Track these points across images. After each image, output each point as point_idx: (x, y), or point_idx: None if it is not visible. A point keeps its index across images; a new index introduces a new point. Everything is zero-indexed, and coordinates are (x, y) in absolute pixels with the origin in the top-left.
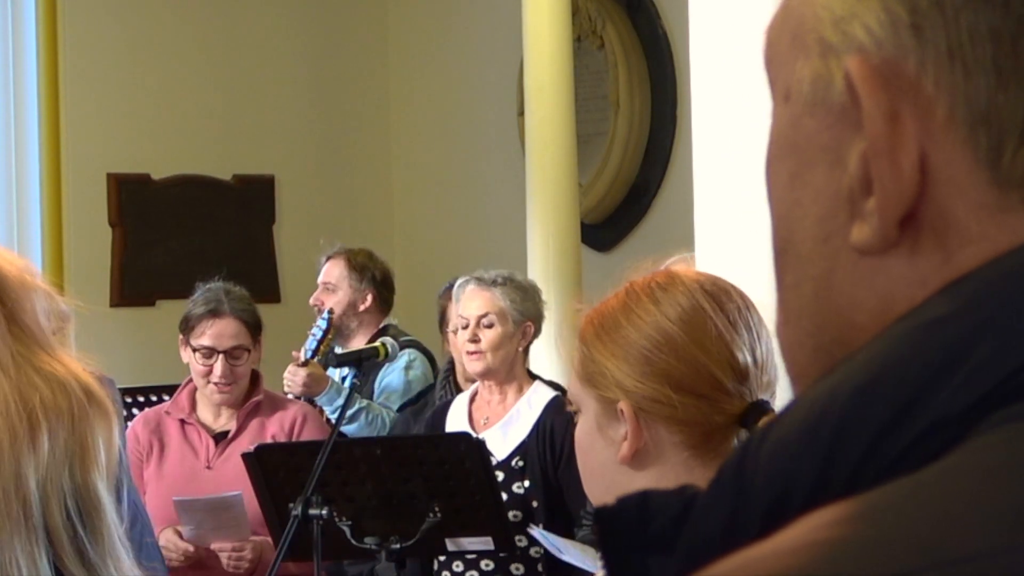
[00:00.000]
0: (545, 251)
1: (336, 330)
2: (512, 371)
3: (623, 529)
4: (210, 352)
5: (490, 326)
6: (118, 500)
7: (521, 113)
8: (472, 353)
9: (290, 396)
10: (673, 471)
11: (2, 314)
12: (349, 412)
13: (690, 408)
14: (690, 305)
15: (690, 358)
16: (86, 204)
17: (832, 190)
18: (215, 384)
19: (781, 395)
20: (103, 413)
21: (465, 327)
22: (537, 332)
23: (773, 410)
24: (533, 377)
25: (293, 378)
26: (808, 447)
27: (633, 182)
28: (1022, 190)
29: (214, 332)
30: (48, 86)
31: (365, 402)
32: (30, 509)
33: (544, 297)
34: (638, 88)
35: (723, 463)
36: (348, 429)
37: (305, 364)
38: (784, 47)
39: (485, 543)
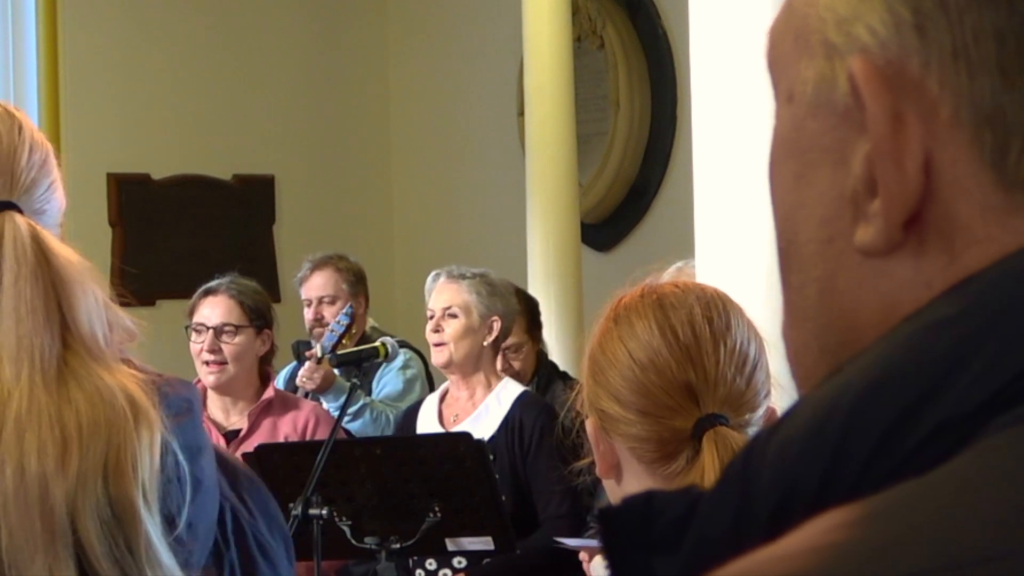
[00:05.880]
0: (545, 251)
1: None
2: (478, 366)
3: (627, 529)
4: (202, 328)
5: (454, 317)
6: (175, 510)
7: (521, 113)
8: (436, 345)
9: (301, 393)
10: (638, 483)
11: (58, 320)
12: (353, 408)
13: (636, 425)
14: (642, 325)
15: (632, 377)
16: (86, 204)
17: (836, 192)
18: (204, 363)
19: (784, 396)
20: (147, 424)
21: (432, 319)
22: (507, 329)
23: (726, 423)
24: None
25: (311, 376)
26: (814, 448)
27: (633, 182)
28: None
29: (206, 308)
30: (48, 86)
31: (368, 399)
32: (56, 524)
33: (544, 298)
34: (638, 88)
35: (729, 463)
36: (352, 426)
37: (320, 361)
38: (787, 48)
39: (485, 543)
